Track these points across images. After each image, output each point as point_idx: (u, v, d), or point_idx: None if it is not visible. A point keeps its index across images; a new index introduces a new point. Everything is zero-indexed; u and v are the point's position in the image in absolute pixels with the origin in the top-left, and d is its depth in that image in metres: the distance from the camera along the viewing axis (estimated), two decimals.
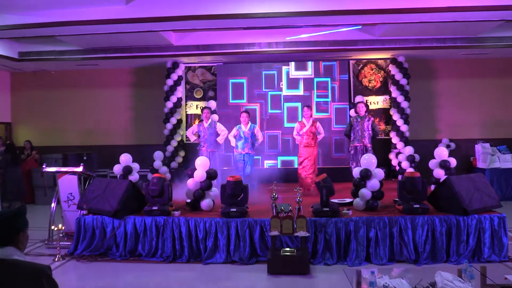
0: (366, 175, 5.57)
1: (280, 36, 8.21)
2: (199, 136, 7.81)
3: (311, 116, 7.59)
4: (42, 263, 2.00)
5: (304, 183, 7.34)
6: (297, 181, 7.50)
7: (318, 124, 7.58)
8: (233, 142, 7.68)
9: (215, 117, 9.18)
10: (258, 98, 9.47)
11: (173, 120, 9.32)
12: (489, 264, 4.73)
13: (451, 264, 4.88)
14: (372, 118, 7.67)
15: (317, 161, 7.61)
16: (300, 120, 7.90)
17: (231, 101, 9.53)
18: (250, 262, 5.06)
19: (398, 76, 9.07)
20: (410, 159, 8.49)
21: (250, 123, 7.64)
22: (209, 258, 5.15)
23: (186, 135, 8.59)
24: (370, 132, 7.53)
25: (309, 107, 7.72)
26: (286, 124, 9.34)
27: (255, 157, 7.86)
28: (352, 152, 7.67)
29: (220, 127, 7.81)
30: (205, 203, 5.76)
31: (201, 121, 8.00)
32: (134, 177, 6.50)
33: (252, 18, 6.12)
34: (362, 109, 7.65)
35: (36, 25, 6.38)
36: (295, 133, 7.70)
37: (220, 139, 7.76)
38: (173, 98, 9.31)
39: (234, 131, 7.69)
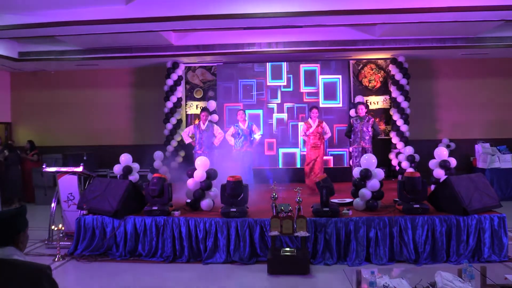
0: (366, 175, 5.57)
1: (280, 36, 8.21)
2: (194, 138, 7.77)
3: (317, 116, 7.55)
4: (42, 263, 1.99)
5: (311, 183, 7.32)
6: (299, 181, 7.49)
7: (324, 124, 7.55)
8: (231, 141, 7.66)
9: (215, 117, 9.17)
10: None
11: (173, 120, 9.32)
12: (489, 264, 4.72)
13: (451, 264, 4.88)
14: (372, 119, 7.59)
15: (323, 161, 7.57)
16: (306, 120, 7.83)
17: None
18: (250, 262, 5.06)
19: (398, 76, 9.06)
20: (410, 159, 8.48)
21: (247, 121, 7.64)
22: (209, 258, 5.15)
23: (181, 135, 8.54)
24: (371, 133, 7.47)
25: (317, 108, 7.68)
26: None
27: None
28: (352, 153, 7.64)
29: (217, 129, 7.77)
30: (205, 203, 5.75)
31: (197, 123, 7.94)
32: (134, 177, 6.50)
33: (252, 18, 6.12)
34: (362, 110, 7.54)
35: (36, 25, 6.38)
36: (302, 133, 7.68)
37: (216, 141, 7.72)
38: (173, 98, 9.30)
39: (231, 129, 7.68)
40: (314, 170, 7.39)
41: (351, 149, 7.71)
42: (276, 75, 9.37)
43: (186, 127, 9.45)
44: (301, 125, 8.38)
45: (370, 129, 7.46)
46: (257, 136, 7.70)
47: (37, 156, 9.64)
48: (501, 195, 8.20)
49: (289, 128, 9.29)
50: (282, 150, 9.26)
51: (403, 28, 7.37)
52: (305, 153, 8.04)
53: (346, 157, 9.19)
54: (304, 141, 7.91)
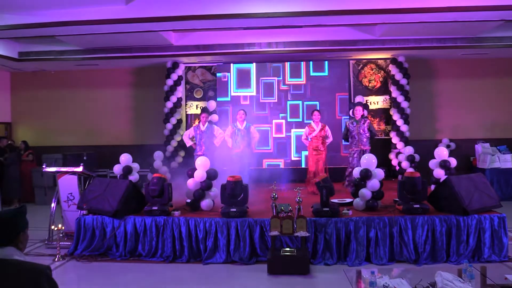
0: (366, 175, 5.57)
1: (280, 36, 8.21)
2: (195, 140, 7.74)
3: (320, 120, 7.50)
4: (42, 263, 1.99)
5: (311, 190, 7.27)
6: (299, 181, 7.46)
7: (327, 128, 7.51)
8: (230, 143, 7.60)
9: (215, 117, 9.16)
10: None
11: (173, 120, 9.32)
12: (489, 264, 4.72)
13: (451, 264, 4.88)
14: (368, 121, 7.50)
15: (326, 164, 7.51)
16: (309, 123, 7.78)
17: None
18: (250, 262, 5.06)
19: (398, 76, 9.06)
20: (410, 159, 8.48)
21: (245, 122, 7.62)
22: (209, 258, 5.14)
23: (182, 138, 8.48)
24: (368, 134, 7.43)
25: (319, 111, 7.63)
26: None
27: None
28: (350, 156, 7.60)
29: (217, 130, 7.74)
30: (205, 203, 5.76)
31: (197, 124, 7.91)
32: (134, 177, 6.50)
33: (252, 18, 6.12)
34: (358, 113, 7.45)
35: (36, 25, 6.38)
36: (304, 137, 7.62)
37: (216, 141, 7.69)
38: (173, 98, 9.30)
39: (229, 129, 7.66)
40: (316, 174, 7.31)
41: (349, 152, 7.64)
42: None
43: (186, 127, 9.48)
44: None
45: (366, 131, 7.42)
46: (255, 139, 7.66)
47: (32, 156, 9.62)
48: (501, 195, 8.19)
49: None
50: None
51: (403, 28, 7.37)
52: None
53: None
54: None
